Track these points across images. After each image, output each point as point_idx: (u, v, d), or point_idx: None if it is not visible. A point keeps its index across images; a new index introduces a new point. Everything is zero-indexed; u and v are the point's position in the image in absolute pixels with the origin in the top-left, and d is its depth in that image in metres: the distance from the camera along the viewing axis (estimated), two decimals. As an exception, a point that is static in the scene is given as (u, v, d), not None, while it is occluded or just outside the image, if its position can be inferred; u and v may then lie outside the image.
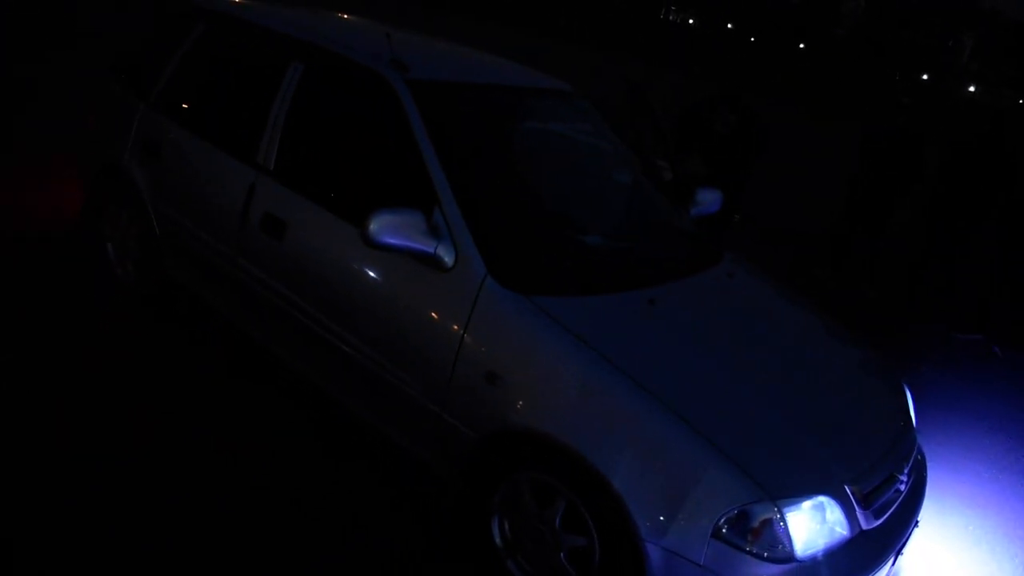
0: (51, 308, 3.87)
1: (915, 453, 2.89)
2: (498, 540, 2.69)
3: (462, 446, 2.67)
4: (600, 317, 2.67)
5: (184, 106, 3.75)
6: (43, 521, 2.62)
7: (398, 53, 3.12)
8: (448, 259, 2.68)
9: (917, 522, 2.77)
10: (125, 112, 3.94)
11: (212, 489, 2.91)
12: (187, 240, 3.62)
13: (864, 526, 2.41)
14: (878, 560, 2.48)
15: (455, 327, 2.64)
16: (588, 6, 40.72)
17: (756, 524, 2.21)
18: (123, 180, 3.90)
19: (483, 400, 2.57)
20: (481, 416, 2.60)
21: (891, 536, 2.56)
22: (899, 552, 2.62)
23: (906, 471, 2.70)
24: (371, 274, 2.89)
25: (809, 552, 2.26)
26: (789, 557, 2.22)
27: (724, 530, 2.21)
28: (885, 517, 2.53)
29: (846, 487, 2.39)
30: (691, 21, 62.43)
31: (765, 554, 2.21)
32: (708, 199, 3.79)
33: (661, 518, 2.24)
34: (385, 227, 2.58)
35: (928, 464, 3.12)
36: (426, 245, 2.66)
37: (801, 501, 2.27)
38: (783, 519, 2.21)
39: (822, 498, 2.31)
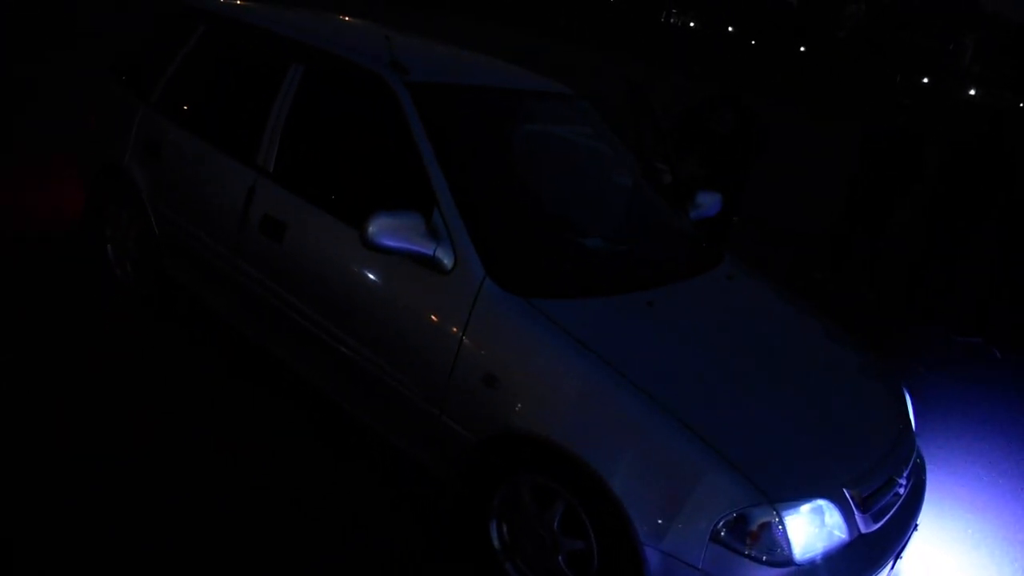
0: (51, 308, 3.88)
1: (914, 456, 2.88)
2: (496, 543, 2.69)
3: (460, 448, 2.67)
4: (599, 319, 2.67)
5: (184, 107, 3.76)
6: (43, 521, 2.62)
7: (398, 55, 3.12)
8: (447, 261, 2.68)
9: (916, 525, 2.77)
10: (125, 112, 3.95)
11: (212, 489, 2.91)
12: (186, 241, 3.62)
13: (863, 530, 2.41)
14: (877, 564, 2.47)
15: (454, 329, 2.64)
16: (589, 7, 40.77)
17: (755, 528, 2.21)
18: (123, 180, 3.90)
19: (482, 402, 2.57)
20: (480, 418, 2.59)
21: (890, 540, 2.55)
22: (898, 556, 2.61)
23: (905, 474, 2.69)
24: (370, 276, 2.89)
25: (808, 556, 2.25)
26: (788, 561, 2.22)
27: (723, 534, 2.21)
28: (884, 521, 2.52)
29: (845, 491, 2.38)
30: (692, 24, 62.46)
31: (764, 558, 2.21)
32: (707, 201, 3.79)
33: (660, 521, 2.24)
34: (384, 229, 2.58)
35: (927, 467, 3.12)
36: (425, 247, 2.66)
37: (800, 505, 2.26)
38: (782, 523, 2.21)
39: (821, 502, 2.31)
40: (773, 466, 2.34)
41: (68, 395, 3.27)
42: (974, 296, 6.60)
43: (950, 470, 4.18)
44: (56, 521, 2.62)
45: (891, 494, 2.59)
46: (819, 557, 2.28)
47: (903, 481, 2.66)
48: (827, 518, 2.32)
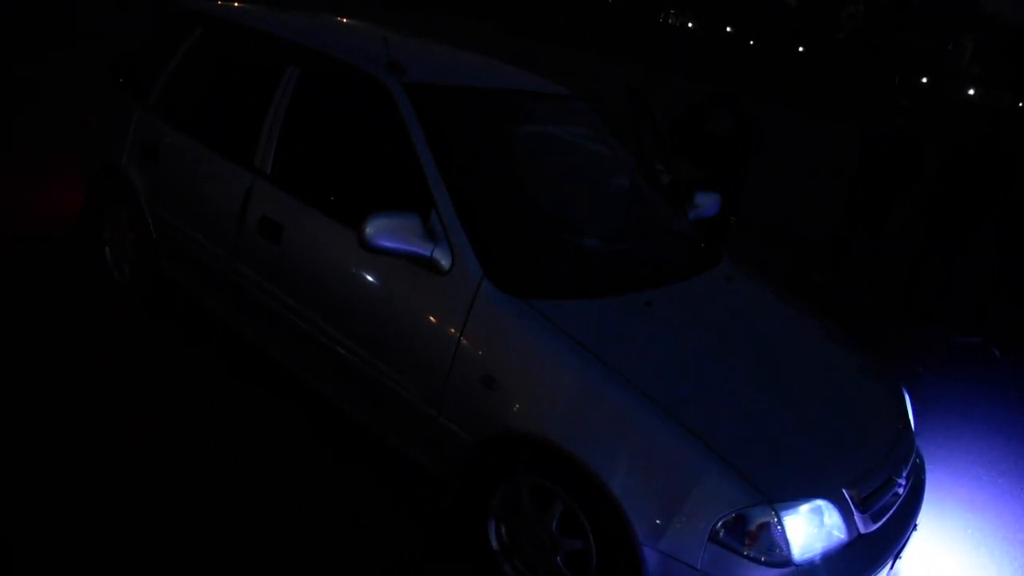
0: (50, 309, 3.88)
1: (914, 456, 2.88)
2: (495, 543, 2.69)
3: (459, 449, 2.67)
4: (597, 320, 2.66)
5: (182, 109, 3.75)
6: (43, 521, 2.61)
7: (395, 56, 3.12)
8: (445, 262, 2.67)
9: (916, 525, 2.76)
10: (123, 114, 3.95)
11: (212, 489, 2.90)
12: (184, 243, 3.62)
13: (862, 530, 2.41)
14: (876, 564, 2.47)
15: (452, 330, 2.64)
16: (587, 8, 40.77)
17: (753, 528, 2.21)
18: (121, 182, 3.90)
19: (480, 403, 2.57)
20: (478, 420, 2.59)
21: (889, 540, 2.55)
22: (897, 556, 2.61)
23: (904, 474, 2.69)
24: (368, 277, 2.89)
25: (807, 556, 2.25)
26: (787, 561, 2.21)
27: (721, 534, 2.20)
28: (883, 521, 2.52)
29: (844, 491, 2.38)
30: (690, 24, 62.47)
31: (762, 558, 2.20)
32: (706, 202, 3.79)
33: (658, 522, 2.24)
34: (381, 230, 2.58)
35: (927, 467, 3.12)
36: (422, 248, 2.65)
37: (799, 505, 2.26)
38: (780, 523, 2.21)
39: (820, 502, 2.31)
40: (772, 466, 2.33)
41: (67, 395, 3.26)
42: (973, 296, 6.60)
43: (949, 470, 4.18)
44: (56, 521, 2.62)
45: (890, 494, 2.59)
46: (818, 557, 2.28)
47: (902, 481, 2.66)
48: (826, 518, 2.32)
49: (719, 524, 2.20)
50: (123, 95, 4.03)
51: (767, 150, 6.20)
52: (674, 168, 3.78)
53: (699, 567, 2.20)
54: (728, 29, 58.35)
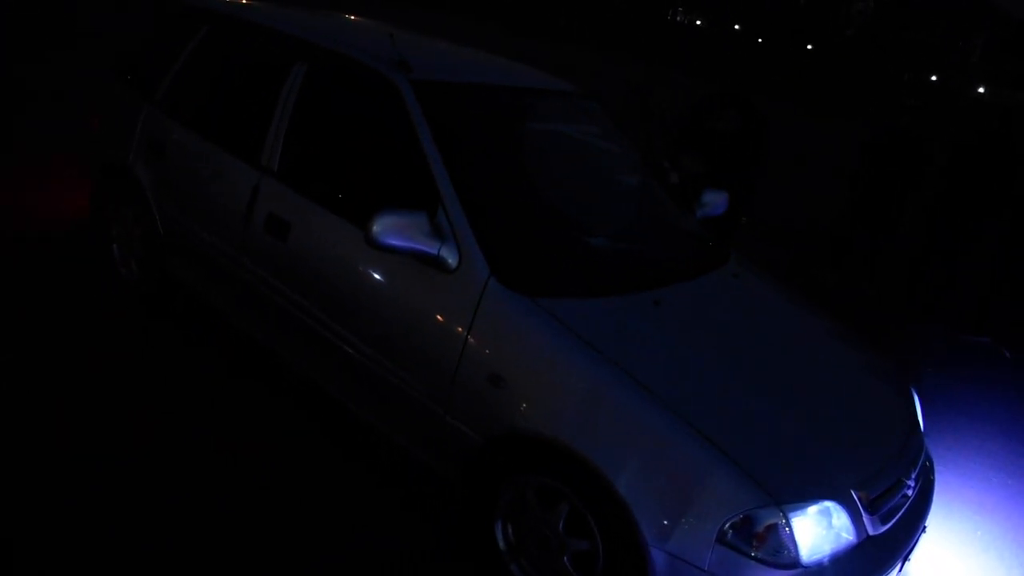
0: (54, 308, 3.88)
1: (923, 457, 2.86)
2: (502, 543, 2.67)
3: (465, 448, 2.66)
4: (605, 319, 2.65)
5: (189, 106, 3.75)
6: (43, 521, 2.61)
7: (402, 54, 3.10)
8: (452, 260, 2.66)
9: (925, 528, 2.74)
10: (130, 112, 3.94)
11: (213, 489, 2.90)
12: (191, 240, 3.61)
13: (871, 532, 2.39)
14: (885, 566, 2.45)
15: (459, 329, 2.63)
16: (591, 5, 40.68)
17: (761, 529, 2.19)
18: (128, 180, 3.90)
19: (486, 402, 2.56)
20: (484, 419, 2.58)
21: (898, 542, 2.53)
22: (906, 558, 2.59)
23: (913, 476, 2.67)
24: (375, 275, 2.88)
25: (815, 558, 2.23)
26: (795, 563, 2.20)
27: (729, 535, 2.19)
28: (892, 523, 2.50)
29: (852, 492, 2.36)
30: (698, 22, 62.30)
31: (770, 560, 2.19)
32: (714, 201, 3.77)
33: (665, 522, 2.22)
34: (388, 228, 2.56)
35: (936, 468, 3.09)
36: (429, 246, 2.64)
37: (807, 506, 2.24)
38: (788, 524, 2.19)
39: (828, 503, 2.29)
40: (780, 467, 2.32)
41: (70, 395, 3.27)
42: (977, 294, 6.57)
43: (959, 471, 4.15)
44: (56, 521, 2.62)
45: (899, 496, 2.57)
46: (826, 559, 2.26)
47: (911, 483, 2.64)
48: (834, 520, 2.30)
49: (727, 525, 2.19)
50: (130, 92, 4.03)
51: (769, 147, 6.15)
52: (675, 163, 3.75)
53: (706, 568, 2.19)
54: (736, 27, 58.18)
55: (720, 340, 2.84)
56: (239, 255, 3.35)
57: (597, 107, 3.89)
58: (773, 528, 2.19)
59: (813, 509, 2.25)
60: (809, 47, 50.47)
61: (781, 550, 2.19)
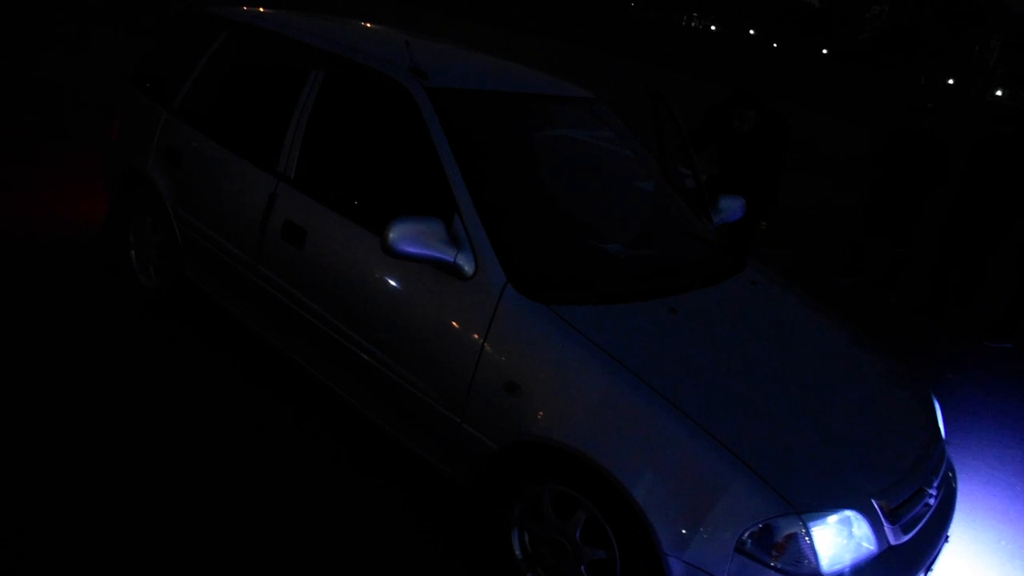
0: (71, 312, 3.91)
1: (944, 466, 2.83)
2: (518, 551, 2.66)
3: (481, 456, 2.65)
4: (621, 326, 2.63)
5: (206, 114, 3.77)
6: (47, 521, 2.63)
7: (417, 61, 3.11)
8: (468, 268, 2.65)
9: (947, 537, 2.71)
10: (148, 120, 3.97)
11: (224, 495, 2.90)
12: (208, 247, 3.63)
13: (892, 541, 2.36)
14: (907, 576, 2.42)
15: (475, 336, 2.62)
16: (607, 12, 40.72)
17: (781, 539, 2.17)
18: (146, 187, 3.93)
19: (503, 410, 2.55)
20: (500, 426, 2.57)
21: (920, 552, 2.50)
22: (929, 568, 2.55)
23: (935, 484, 2.64)
24: (391, 282, 2.88)
25: (836, 568, 2.20)
26: (815, 573, 2.17)
27: (748, 544, 2.17)
28: (914, 532, 2.47)
29: (873, 501, 2.33)
30: (713, 27, 62.21)
31: (790, 570, 2.16)
32: (731, 207, 3.75)
33: (683, 531, 2.21)
34: (404, 236, 2.56)
35: (958, 477, 3.06)
36: (446, 254, 2.64)
37: (827, 515, 2.22)
38: (808, 534, 2.16)
39: (849, 512, 2.26)
40: (799, 476, 2.29)
41: (86, 396, 3.29)
42: (999, 300, 6.50)
43: (981, 480, 4.10)
44: (58, 521, 2.63)
45: (921, 504, 2.54)
46: (847, 569, 2.23)
47: (933, 491, 2.60)
48: (855, 529, 2.27)
49: (746, 534, 2.16)
50: (148, 100, 4.06)
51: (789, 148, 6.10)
52: (691, 165, 3.73)
53: (725, 578, 2.17)
54: (751, 32, 58.03)
55: (737, 347, 2.82)
56: (256, 262, 3.36)
57: (612, 113, 3.88)
58: (793, 537, 2.17)
59: (833, 518, 2.23)
60: (824, 51, 50.26)
61: (801, 560, 2.17)
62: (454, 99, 3.06)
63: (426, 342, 2.77)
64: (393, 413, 2.98)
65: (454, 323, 2.69)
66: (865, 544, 2.28)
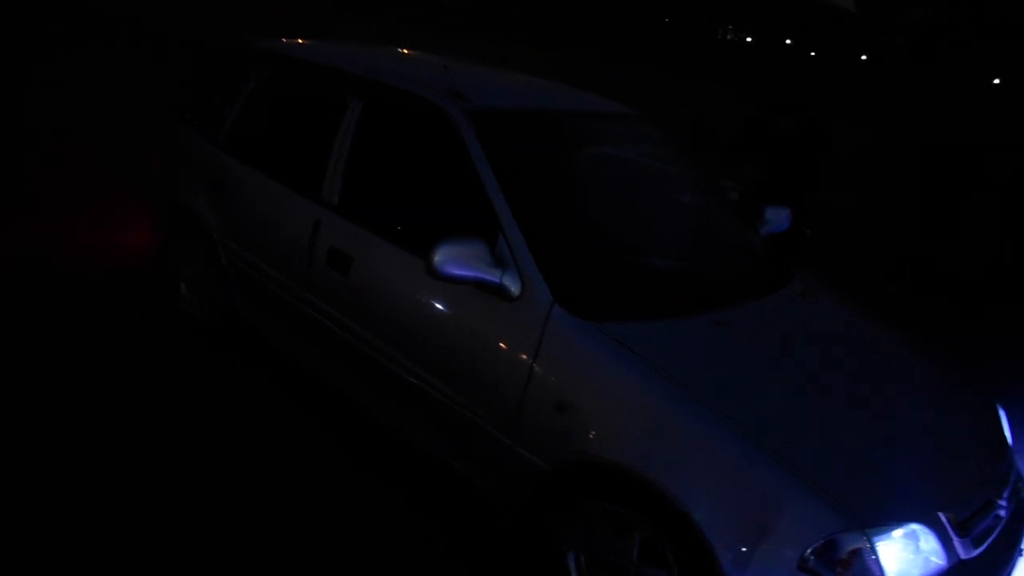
0: (122, 342, 3.96)
1: (1014, 476, 2.73)
2: (574, 573, 2.62)
3: (534, 477, 2.62)
4: (671, 342, 2.60)
5: (249, 145, 3.83)
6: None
7: (455, 83, 3.12)
8: (514, 288, 2.64)
9: (1022, 551, 2.61)
10: (191, 152, 4.05)
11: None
12: (256, 276, 3.67)
13: (962, 555, 2.28)
14: (980, 592, 2.34)
15: (523, 356, 2.61)
16: (643, 27, 40.73)
17: (844, 555, 2.10)
18: (192, 220, 3.99)
19: (554, 430, 2.52)
20: (552, 446, 2.54)
21: (993, 567, 2.41)
22: (1002, 583, 2.46)
23: (1006, 495, 2.55)
24: (437, 305, 2.88)
25: (903, 584, 2.13)
26: (882, 590, 2.10)
27: (811, 561, 2.11)
28: (985, 546, 2.39)
29: (940, 514, 2.26)
30: (748, 39, 61.85)
31: (856, 587, 2.10)
32: (777, 217, 3.70)
33: (744, 549, 2.15)
34: (449, 258, 2.56)
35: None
36: (491, 275, 2.63)
37: (892, 529, 2.15)
38: (873, 549, 2.10)
39: (915, 526, 2.20)
40: (862, 489, 2.23)
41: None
42: None
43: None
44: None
45: (991, 517, 2.45)
46: (916, 586, 2.16)
47: (1003, 502, 2.52)
48: (922, 543, 2.20)
49: (808, 551, 2.11)
50: (190, 132, 4.14)
51: (830, 153, 6.01)
52: (735, 174, 3.69)
53: (789, 597, 2.11)
54: (788, 41, 57.57)
55: (791, 360, 2.76)
56: (304, 291, 3.38)
57: (653, 127, 3.86)
58: (857, 553, 2.10)
59: (899, 532, 2.16)
60: (864, 57, 49.61)
61: (867, 576, 2.10)
62: (493, 119, 3.07)
63: (474, 363, 2.76)
64: (443, 437, 2.97)
65: (502, 344, 2.68)
66: (934, 559, 2.21)
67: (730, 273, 3.38)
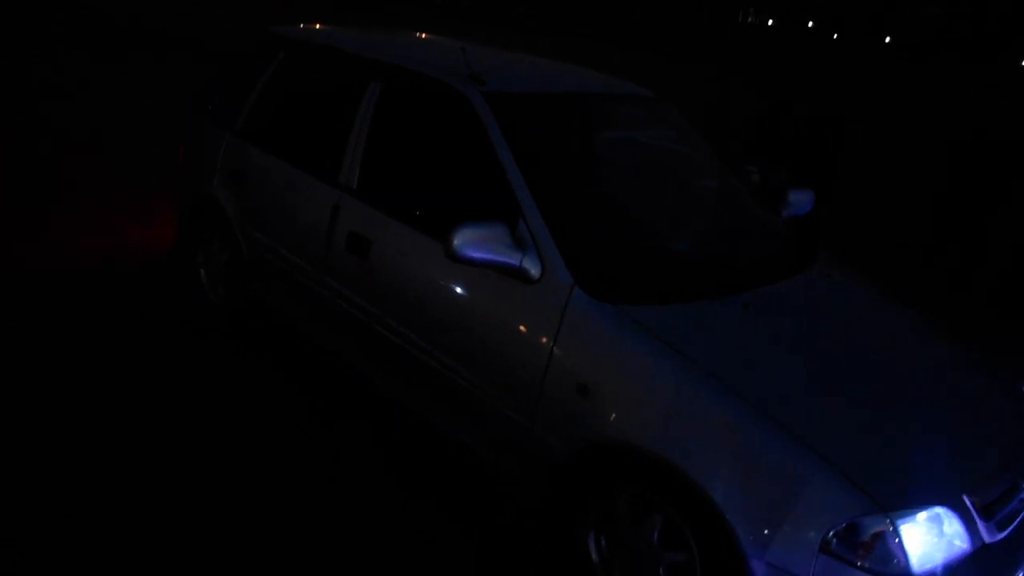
0: (143, 329, 4.01)
1: (1039, 460, 2.69)
2: (595, 556, 2.63)
3: (554, 459, 2.62)
4: (692, 324, 2.58)
5: (267, 132, 3.84)
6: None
7: (474, 67, 3.11)
8: (534, 271, 2.64)
9: (1045, 534, 2.58)
10: (211, 141, 4.07)
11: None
12: (275, 262, 3.69)
13: (987, 539, 2.26)
14: (1005, 576, 2.31)
15: (544, 339, 2.60)
16: (663, 13, 40.44)
17: (867, 538, 2.09)
18: (212, 207, 4.02)
19: (575, 413, 2.52)
20: (572, 429, 2.54)
21: (1018, 550, 2.38)
22: (1028, 567, 2.44)
23: (1031, 479, 2.52)
24: (457, 288, 2.88)
25: (927, 567, 2.11)
26: (905, 573, 2.08)
27: (833, 544, 2.09)
28: (1010, 529, 2.36)
29: (964, 497, 2.24)
30: (771, 22, 61.23)
31: (878, 570, 2.08)
32: (800, 200, 3.66)
33: (765, 531, 2.14)
34: (468, 241, 2.56)
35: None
36: (511, 258, 2.62)
37: (916, 512, 2.13)
38: (896, 532, 2.08)
39: (939, 509, 2.17)
40: (885, 472, 2.21)
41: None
42: None
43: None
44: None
45: (1016, 500, 2.42)
46: (939, 569, 2.14)
47: (1029, 486, 2.49)
48: (946, 527, 2.18)
49: (831, 534, 2.09)
50: (210, 122, 4.15)
51: (844, 148, 5.98)
52: (763, 171, 3.66)
53: (810, 580, 2.10)
54: (810, 24, 56.93)
55: (814, 342, 2.74)
56: (322, 274, 3.40)
57: (673, 110, 3.83)
58: (880, 536, 2.09)
59: (923, 515, 2.14)
60: (887, 40, 48.99)
61: (890, 560, 2.09)
62: (512, 103, 3.06)
63: (494, 347, 2.76)
64: (463, 419, 2.98)
65: (522, 327, 2.68)
66: (958, 542, 2.19)
67: (753, 256, 3.35)
